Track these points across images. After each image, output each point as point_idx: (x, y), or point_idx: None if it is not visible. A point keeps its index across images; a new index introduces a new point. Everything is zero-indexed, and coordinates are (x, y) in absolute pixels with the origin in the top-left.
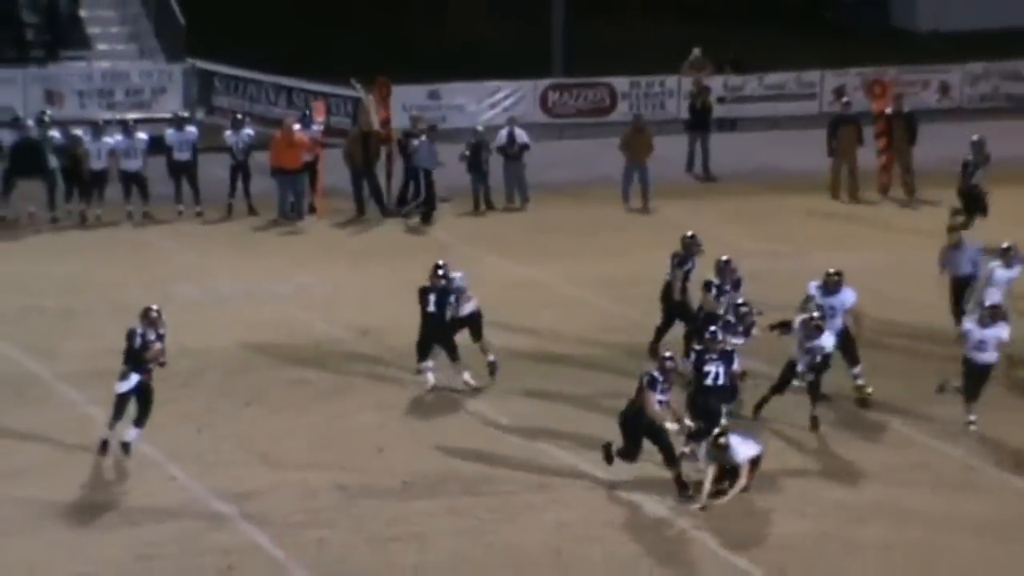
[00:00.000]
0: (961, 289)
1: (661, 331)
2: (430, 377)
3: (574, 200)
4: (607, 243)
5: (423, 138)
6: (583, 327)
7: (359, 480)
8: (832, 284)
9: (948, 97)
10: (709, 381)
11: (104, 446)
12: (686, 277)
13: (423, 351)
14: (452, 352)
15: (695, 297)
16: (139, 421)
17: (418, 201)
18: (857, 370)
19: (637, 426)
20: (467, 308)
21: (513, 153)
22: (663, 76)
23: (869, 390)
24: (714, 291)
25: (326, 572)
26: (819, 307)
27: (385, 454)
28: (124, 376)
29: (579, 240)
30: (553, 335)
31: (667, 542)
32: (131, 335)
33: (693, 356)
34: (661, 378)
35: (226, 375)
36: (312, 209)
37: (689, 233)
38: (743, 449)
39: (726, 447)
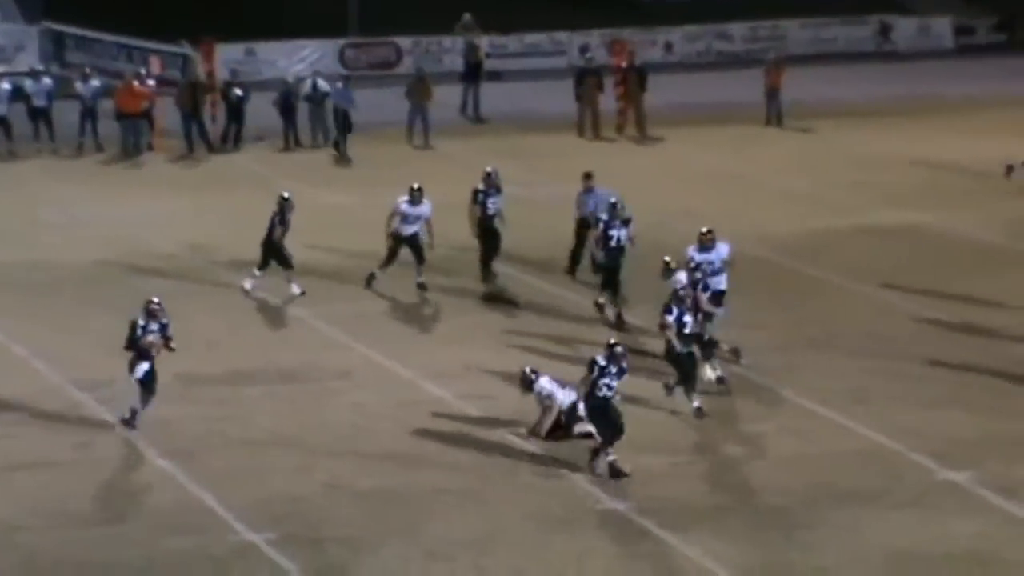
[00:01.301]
0: (586, 230)
1: (485, 256)
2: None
3: (368, 139)
4: (397, 175)
5: (339, 84)
6: (379, 245)
7: (194, 369)
8: (707, 241)
9: (671, 53)
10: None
11: (131, 419)
12: (484, 207)
13: (263, 263)
14: (285, 262)
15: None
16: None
17: (335, 135)
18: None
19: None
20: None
21: (317, 100)
22: (441, 36)
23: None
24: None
25: (169, 446)
26: (699, 264)
27: (217, 348)
28: (133, 364)
29: (373, 172)
30: (359, 253)
31: (445, 419)
32: (133, 326)
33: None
34: (605, 363)
35: (82, 285)
36: (150, 147)
37: (489, 169)
38: (561, 394)
39: (532, 381)
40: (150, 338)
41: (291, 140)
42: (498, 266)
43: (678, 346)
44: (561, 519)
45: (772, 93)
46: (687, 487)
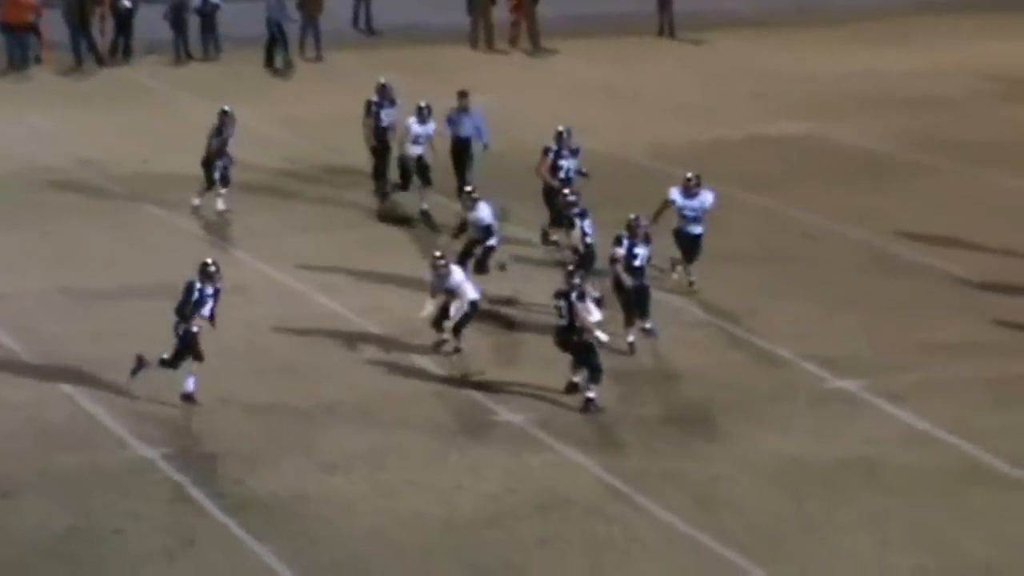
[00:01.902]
0: (461, 151)
1: (378, 169)
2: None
3: (259, 52)
4: (288, 88)
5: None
6: (272, 159)
7: (87, 285)
8: (692, 187)
9: None
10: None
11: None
12: (378, 119)
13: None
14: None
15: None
16: (169, 362)
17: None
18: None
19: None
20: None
21: (207, 12)
22: None
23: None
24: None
25: (61, 363)
26: (681, 209)
27: (109, 264)
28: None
29: (265, 84)
30: (245, 166)
31: (340, 333)
32: (190, 289)
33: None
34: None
35: None
36: (38, 60)
37: (382, 81)
38: (467, 286)
39: (446, 269)
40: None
41: (182, 53)
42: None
43: (627, 281)
44: (457, 432)
45: (664, 4)
46: (582, 399)
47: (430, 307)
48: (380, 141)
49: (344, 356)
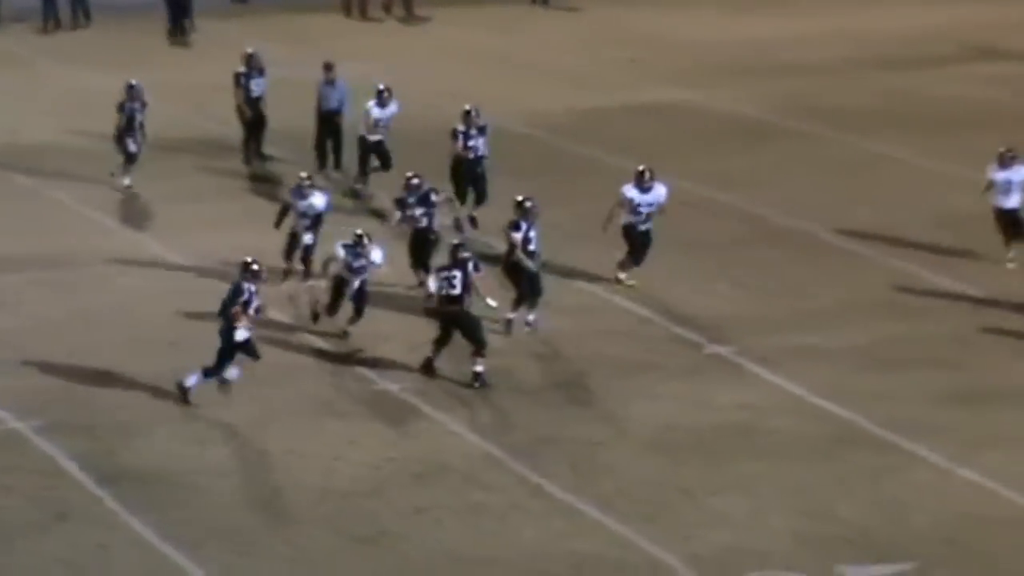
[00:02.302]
0: (327, 123)
1: (248, 138)
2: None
3: (129, 20)
4: (161, 56)
5: None
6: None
7: None
8: (646, 181)
9: None
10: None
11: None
12: (248, 89)
13: None
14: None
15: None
16: (214, 369)
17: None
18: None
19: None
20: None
21: None
22: None
23: (632, 282)
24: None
25: None
26: (638, 206)
27: None
28: (227, 330)
29: (136, 53)
30: None
31: (215, 304)
32: (238, 289)
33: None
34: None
35: None
36: None
37: (249, 50)
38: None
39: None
40: (237, 309)
41: (51, 21)
42: (268, 148)
43: (528, 265)
44: (335, 401)
45: None
46: (455, 368)
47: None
48: (253, 110)
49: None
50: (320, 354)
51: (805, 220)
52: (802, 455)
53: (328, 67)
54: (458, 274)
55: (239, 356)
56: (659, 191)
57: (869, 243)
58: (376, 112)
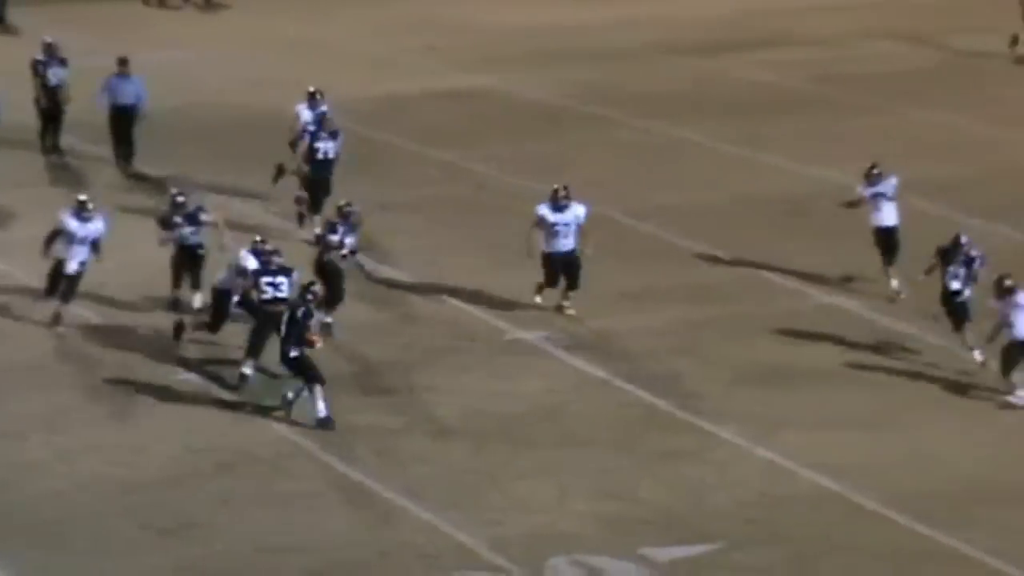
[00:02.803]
0: (121, 118)
1: (45, 127)
2: None
3: None
4: None
5: None
6: None
7: None
8: (561, 200)
9: None
10: None
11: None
12: (45, 78)
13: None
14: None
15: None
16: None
17: None
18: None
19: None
20: None
21: None
22: None
23: (572, 311)
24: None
25: None
26: (553, 225)
27: None
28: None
29: None
30: None
31: (10, 293)
32: (307, 315)
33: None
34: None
35: None
36: None
37: (47, 39)
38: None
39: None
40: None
41: None
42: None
43: (343, 266)
44: (138, 392)
45: None
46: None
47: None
48: (50, 100)
49: (13, 317)
50: (121, 345)
51: (606, 205)
52: (605, 438)
53: (123, 62)
54: (284, 280)
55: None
56: (576, 210)
57: (669, 227)
58: (306, 115)
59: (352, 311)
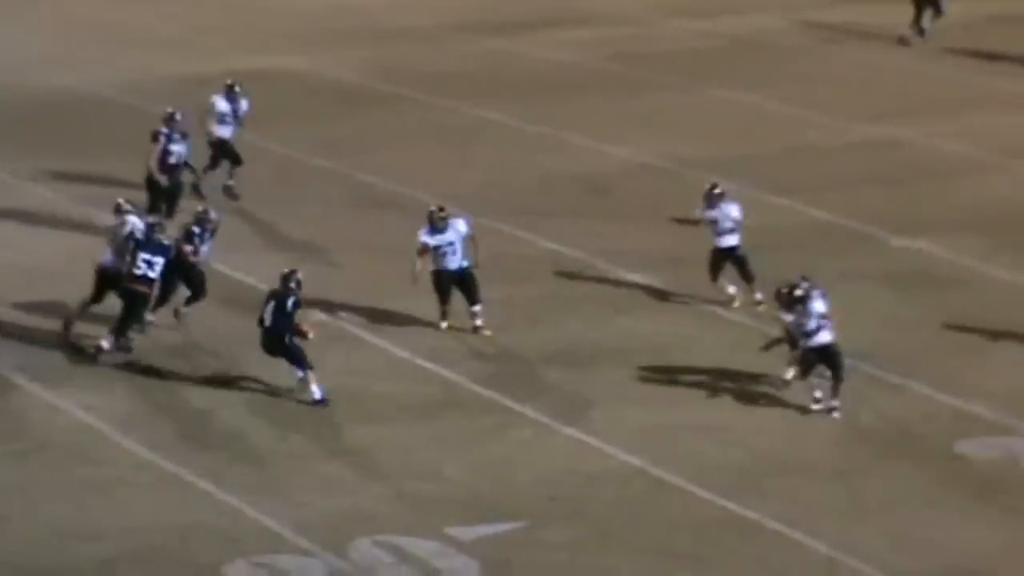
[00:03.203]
0: None
1: None
2: None
3: None
4: None
5: None
6: None
7: None
8: (440, 221)
9: None
10: None
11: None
12: None
13: None
14: None
15: None
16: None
17: None
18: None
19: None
20: None
21: None
22: None
23: (488, 332)
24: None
25: None
26: (436, 248)
27: None
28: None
29: None
30: None
31: None
32: (296, 304)
33: None
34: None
35: None
36: None
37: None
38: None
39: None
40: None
41: None
42: None
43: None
44: None
45: None
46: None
47: None
48: None
49: None
50: None
51: (411, 186)
52: (409, 418)
53: None
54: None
55: None
56: (456, 224)
57: (473, 207)
58: (222, 106)
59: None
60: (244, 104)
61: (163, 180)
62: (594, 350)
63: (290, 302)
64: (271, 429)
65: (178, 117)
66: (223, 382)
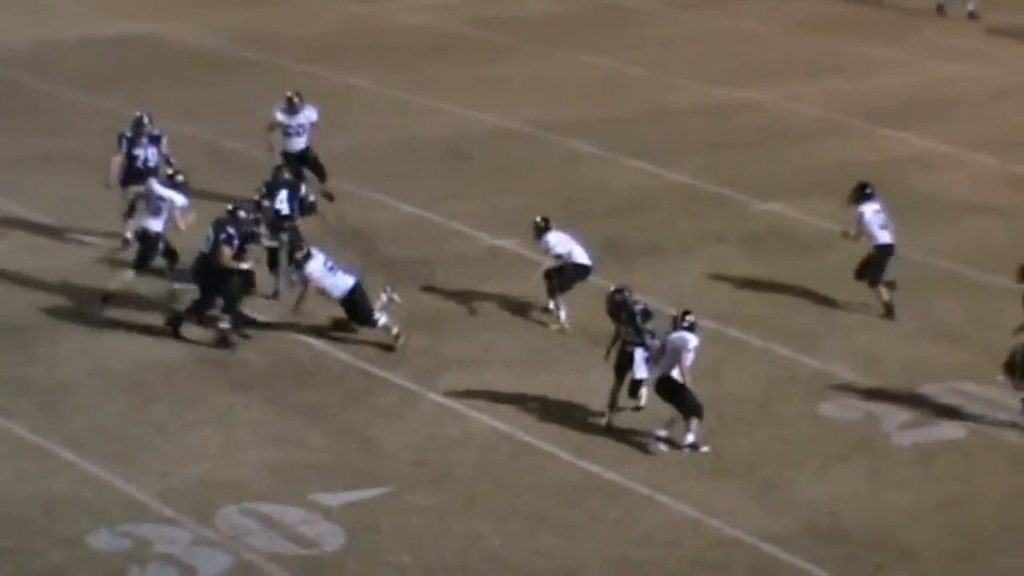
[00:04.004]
0: None
1: None
2: None
3: None
4: None
5: None
6: None
7: None
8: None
9: None
10: None
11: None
12: None
13: None
14: None
15: None
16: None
17: None
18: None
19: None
20: None
21: None
22: None
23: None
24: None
25: None
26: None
27: None
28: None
29: None
30: None
31: None
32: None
33: None
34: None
35: None
36: None
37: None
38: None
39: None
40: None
41: None
42: None
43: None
44: None
45: None
46: None
47: None
48: None
49: None
50: None
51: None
52: (272, 386)
53: None
54: None
55: None
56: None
57: (335, 172)
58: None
59: (11, 262)
60: (312, 113)
61: (119, 188)
62: (456, 314)
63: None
64: (132, 397)
65: (145, 120)
66: (83, 351)
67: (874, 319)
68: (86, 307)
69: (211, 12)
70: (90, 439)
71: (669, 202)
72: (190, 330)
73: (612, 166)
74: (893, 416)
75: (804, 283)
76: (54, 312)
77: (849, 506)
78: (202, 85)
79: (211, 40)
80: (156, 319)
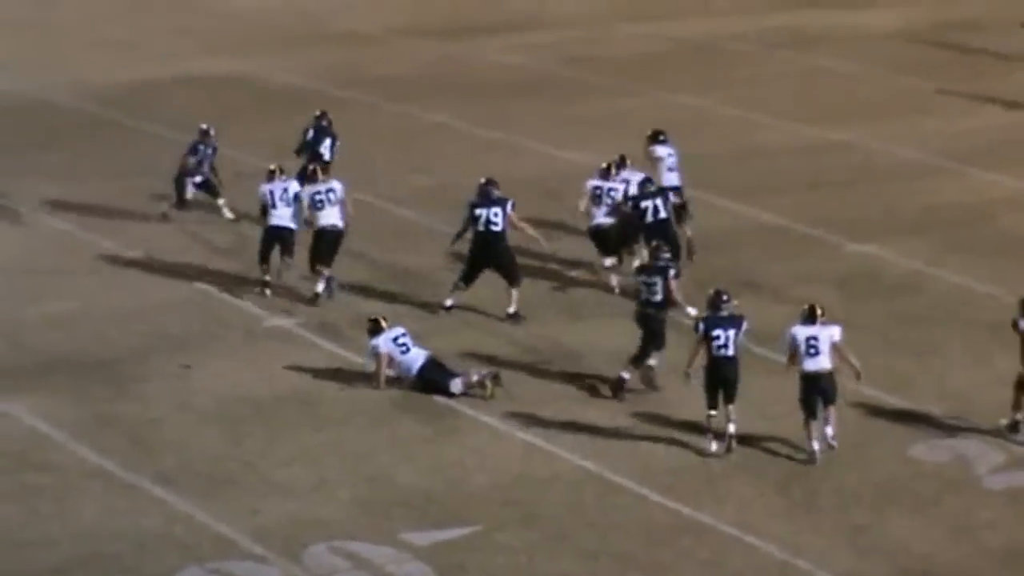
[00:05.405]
0: None
1: None
2: None
3: None
4: None
5: None
6: None
7: None
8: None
9: None
10: None
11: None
12: None
13: None
14: None
15: None
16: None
17: None
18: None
19: None
20: None
21: None
22: None
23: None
24: None
25: None
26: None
27: None
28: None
29: None
30: None
31: None
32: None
33: None
34: None
35: None
36: None
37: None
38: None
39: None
40: None
41: None
42: None
43: None
44: None
45: None
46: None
47: None
48: None
49: None
50: None
51: (361, 190)
52: (362, 422)
53: None
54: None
55: None
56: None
57: (426, 211)
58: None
59: (106, 296)
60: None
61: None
62: (548, 353)
63: None
64: (223, 433)
65: (212, 132)
66: (173, 387)
67: (966, 360)
68: (176, 343)
69: (300, 50)
70: (180, 475)
71: (760, 242)
72: (278, 366)
73: (703, 206)
74: (984, 458)
75: (895, 324)
76: (144, 348)
77: (940, 548)
78: (291, 124)
79: (301, 78)
80: (241, 355)
